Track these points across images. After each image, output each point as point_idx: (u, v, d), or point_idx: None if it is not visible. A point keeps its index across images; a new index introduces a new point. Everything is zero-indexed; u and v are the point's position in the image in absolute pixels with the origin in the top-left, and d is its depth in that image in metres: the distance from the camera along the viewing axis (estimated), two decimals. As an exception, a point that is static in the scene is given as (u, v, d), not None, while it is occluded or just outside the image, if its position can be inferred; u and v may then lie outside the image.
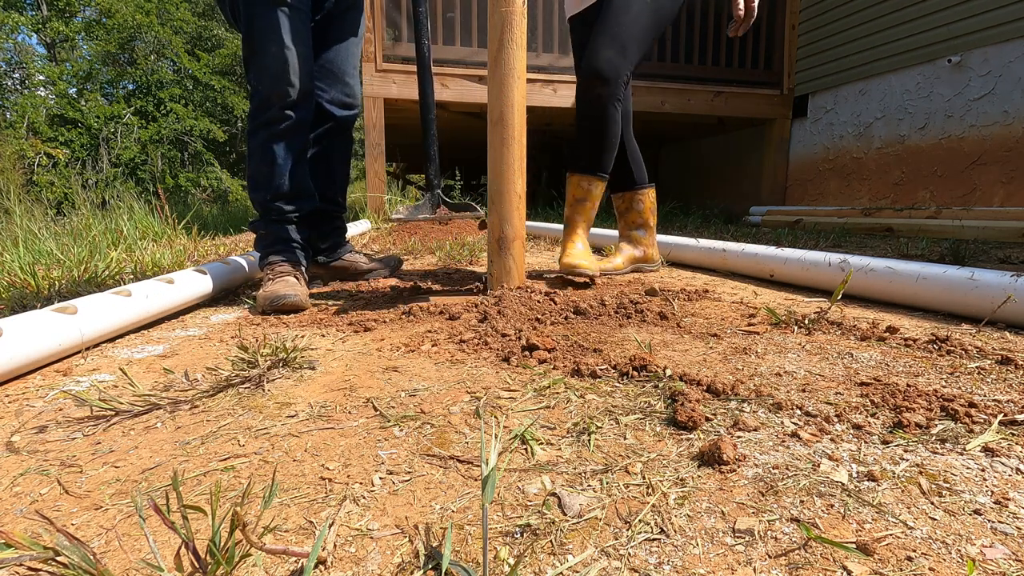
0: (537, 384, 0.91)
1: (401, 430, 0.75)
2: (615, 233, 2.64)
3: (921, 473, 0.61)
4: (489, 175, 1.58)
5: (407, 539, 0.52)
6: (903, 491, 0.58)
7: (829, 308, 1.31)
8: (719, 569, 0.47)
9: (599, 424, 0.75)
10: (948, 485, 0.59)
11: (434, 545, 0.51)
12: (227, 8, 1.72)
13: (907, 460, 0.64)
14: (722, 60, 5.31)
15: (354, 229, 3.73)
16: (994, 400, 0.81)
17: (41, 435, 0.77)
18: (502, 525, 0.53)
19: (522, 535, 0.52)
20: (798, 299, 1.63)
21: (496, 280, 1.59)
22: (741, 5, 1.80)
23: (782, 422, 0.74)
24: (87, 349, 1.17)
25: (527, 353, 1.05)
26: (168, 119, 15.77)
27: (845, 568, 0.46)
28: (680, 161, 7.51)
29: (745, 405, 0.80)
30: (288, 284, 1.55)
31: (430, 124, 1.86)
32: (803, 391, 0.85)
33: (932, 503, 0.55)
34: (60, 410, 0.86)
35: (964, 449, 0.66)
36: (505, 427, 0.74)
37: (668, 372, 0.93)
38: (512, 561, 0.48)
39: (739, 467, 0.62)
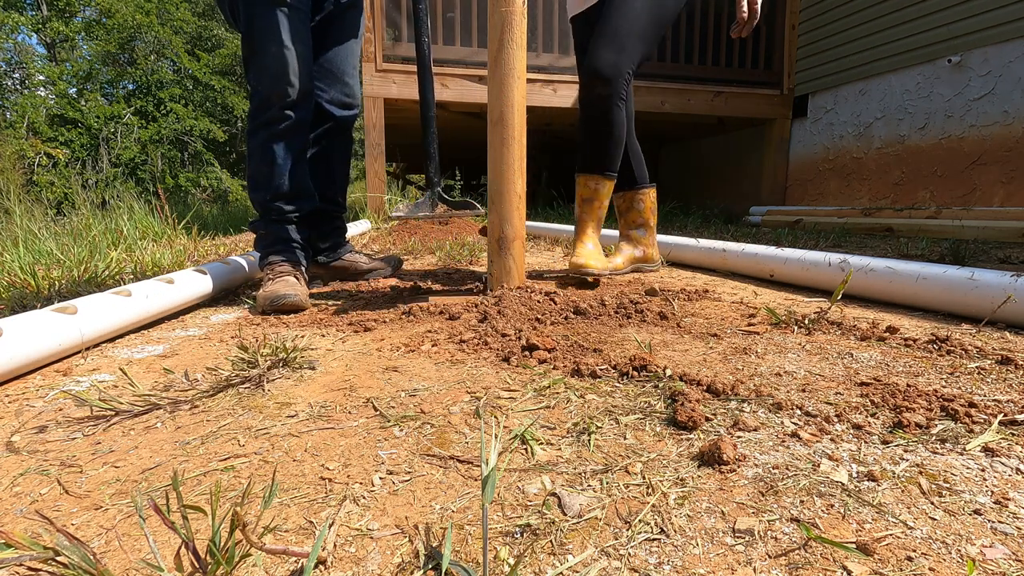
0: (537, 384, 0.91)
1: (401, 430, 0.75)
2: (615, 233, 2.64)
3: (921, 473, 0.61)
4: (489, 175, 1.58)
5: (407, 539, 0.52)
6: (903, 491, 0.58)
7: (829, 308, 1.31)
8: (719, 569, 0.47)
9: (599, 424, 0.75)
10: (948, 485, 0.59)
11: (434, 545, 0.51)
12: (227, 8, 1.72)
13: (907, 460, 0.64)
14: (722, 60, 5.31)
15: (354, 229, 3.73)
16: (994, 400, 0.81)
17: (41, 435, 0.77)
18: (502, 525, 0.53)
19: (522, 535, 0.52)
20: (798, 299, 1.63)
21: (496, 280, 1.59)
22: (745, 6, 1.80)
23: (782, 422, 0.74)
24: (87, 349, 1.17)
25: (527, 353, 1.05)
26: (168, 119, 15.77)
27: (845, 568, 0.46)
28: (680, 161, 7.51)
29: (745, 405, 0.80)
30: (288, 284, 1.55)
31: (430, 122, 1.86)
32: (803, 391, 0.85)
33: (932, 503, 0.55)
34: (60, 410, 0.86)
35: (964, 449, 0.66)
36: (505, 427, 0.74)
37: (668, 372, 0.93)
38: (512, 561, 0.48)
39: (739, 467, 0.62)
